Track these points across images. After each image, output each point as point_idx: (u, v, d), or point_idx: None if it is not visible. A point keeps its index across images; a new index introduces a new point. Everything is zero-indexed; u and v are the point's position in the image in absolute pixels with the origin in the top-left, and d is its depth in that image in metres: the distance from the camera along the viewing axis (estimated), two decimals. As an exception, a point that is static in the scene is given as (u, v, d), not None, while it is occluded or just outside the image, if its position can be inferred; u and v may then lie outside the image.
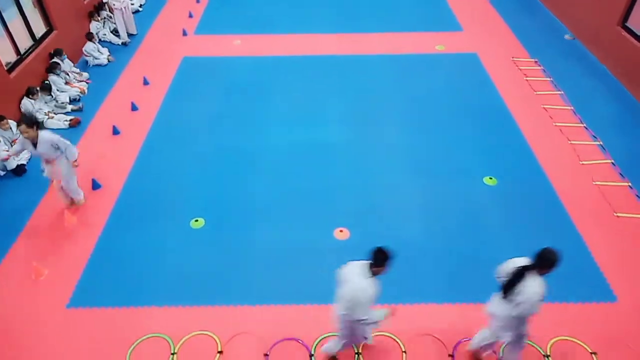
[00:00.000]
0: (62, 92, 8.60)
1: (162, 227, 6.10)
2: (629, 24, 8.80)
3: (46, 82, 8.17)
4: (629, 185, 6.60)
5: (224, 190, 6.67)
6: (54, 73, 8.63)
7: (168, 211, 6.33)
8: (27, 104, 7.75)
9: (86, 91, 8.92)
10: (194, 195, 6.57)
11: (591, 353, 4.69)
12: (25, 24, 8.59)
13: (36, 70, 8.40)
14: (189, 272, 5.54)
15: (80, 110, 8.35)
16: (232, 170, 7.00)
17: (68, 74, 9.02)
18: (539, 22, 11.31)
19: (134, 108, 8.37)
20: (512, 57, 9.76)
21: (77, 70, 9.36)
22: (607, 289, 5.29)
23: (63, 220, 6.17)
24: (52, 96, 8.40)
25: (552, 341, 4.78)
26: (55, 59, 8.86)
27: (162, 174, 6.94)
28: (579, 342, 4.78)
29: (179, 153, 7.36)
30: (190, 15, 11.84)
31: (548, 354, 4.69)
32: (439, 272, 5.50)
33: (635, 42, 8.48)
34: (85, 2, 10.61)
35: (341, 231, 6.02)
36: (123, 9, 10.52)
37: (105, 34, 10.63)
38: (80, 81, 9.14)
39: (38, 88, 8.03)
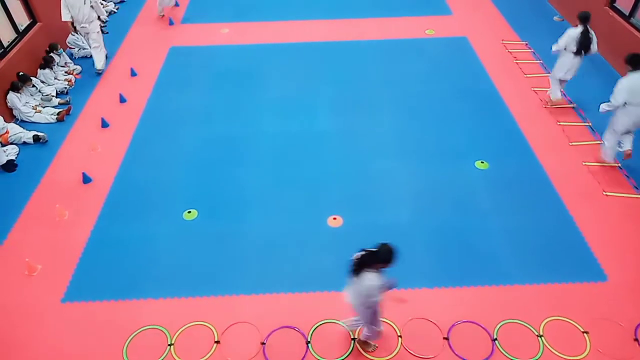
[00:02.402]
0: (49, 85, 8.47)
1: (155, 219, 6.08)
2: (617, 4, 8.80)
3: (21, 73, 8.00)
4: (618, 166, 6.66)
5: (216, 180, 6.65)
6: (49, 67, 8.52)
7: (160, 203, 6.30)
8: (13, 98, 7.62)
9: (74, 83, 8.80)
10: (186, 187, 6.55)
11: (583, 332, 4.78)
12: (8, 17, 8.41)
13: (20, 63, 8.24)
14: (183, 264, 5.54)
15: (67, 103, 8.24)
16: (224, 160, 6.97)
17: (64, 65, 9.05)
18: (528, 4, 11.26)
19: (122, 100, 8.27)
20: (502, 40, 9.74)
21: (72, 63, 9.24)
22: (598, 269, 5.38)
23: (55, 215, 6.13)
24: (37, 88, 8.27)
25: (545, 321, 4.86)
26: (51, 54, 8.75)
27: (153, 166, 6.90)
28: (571, 321, 4.86)
29: (170, 144, 7.30)
30: (177, 4, 11.65)
31: (541, 333, 4.77)
32: (431, 257, 5.55)
33: (623, 22, 8.49)
34: (68, -7, 10.39)
35: (335, 219, 6.03)
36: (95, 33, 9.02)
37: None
38: (69, 73, 9.00)
39: (20, 84, 7.86)
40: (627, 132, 6.29)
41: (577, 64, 7.33)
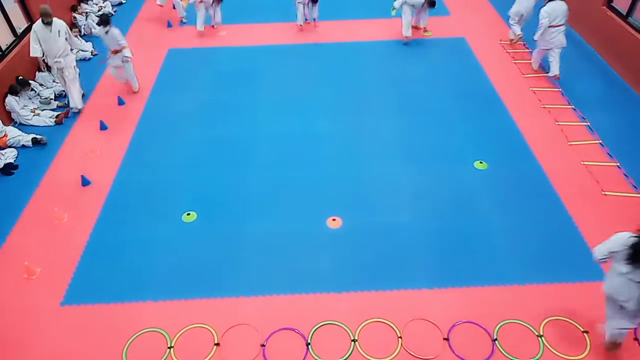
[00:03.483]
0: (48, 88, 8.47)
1: (154, 222, 6.07)
2: (614, 3, 8.82)
3: (20, 77, 8.02)
4: (617, 165, 6.67)
5: (215, 182, 6.64)
6: (48, 70, 8.51)
7: (159, 205, 6.29)
8: (11, 101, 7.61)
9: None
10: (185, 189, 6.54)
11: (583, 332, 4.77)
12: (6, 20, 8.41)
13: (19, 66, 8.24)
14: (183, 266, 5.53)
15: (66, 106, 8.23)
16: (223, 162, 6.97)
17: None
18: (525, 4, 11.27)
19: (120, 102, 8.27)
20: (500, 40, 9.75)
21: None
22: (598, 268, 5.35)
23: (54, 218, 6.12)
24: (35, 91, 8.27)
25: (545, 321, 4.85)
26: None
27: (152, 168, 6.89)
28: (571, 321, 4.86)
29: (168, 146, 7.30)
30: (174, 7, 11.64)
31: (541, 333, 4.77)
32: (431, 258, 5.55)
33: (621, 21, 8.51)
34: (66, -4, 10.41)
35: (334, 220, 6.03)
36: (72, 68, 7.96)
37: (88, 24, 10.43)
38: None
39: (19, 87, 7.86)
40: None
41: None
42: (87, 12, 10.64)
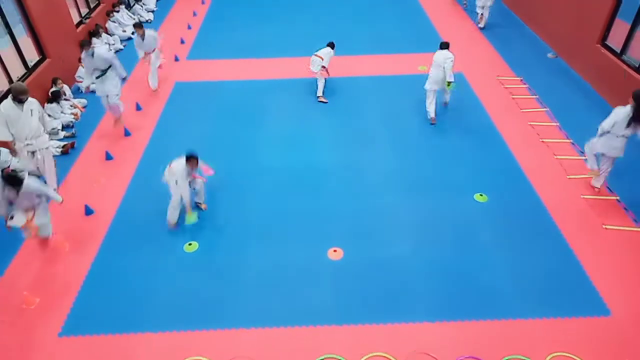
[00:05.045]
0: (56, 119, 8.64)
1: (155, 252, 6.07)
2: (608, 42, 9.09)
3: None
4: (617, 199, 6.71)
5: (217, 213, 6.68)
6: (56, 102, 8.70)
7: (161, 235, 6.31)
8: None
9: (79, 117, 8.98)
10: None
11: (587, 367, 4.70)
12: (18, 53, 8.68)
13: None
14: (183, 297, 5.50)
15: (73, 136, 8.38)
16: (225, 194, 7.02)
17: (67, 99, 9.17)
18: (522, 41, 11.62)
19: (127, 133, 8.41)
20: (497, 76, 9.98)
21: (72, 98, 9.44)
22: (601, 303, 5.33)
23: (55, 247, 6.13)
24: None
25: (549, 357, 4.78)
26: (55, 88, 8.95)
27: (156, 199, 6.92)
28: (575, 357, 4.78)
29: (172, 177, 7.37)
30: (182, 42, 12.02)
31: (544, 369, 4.69)
32: (432, 291, 5.52)
33: (615, 59, 8.74)
34: (78, 30, 10.76)
35: (335, 251, 6.03)
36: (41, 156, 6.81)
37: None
38: (75, 107, 9.19)
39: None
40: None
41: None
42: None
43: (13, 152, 6.73)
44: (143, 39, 9.24)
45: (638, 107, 5.98)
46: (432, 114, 8.49)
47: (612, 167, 6.62)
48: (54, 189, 6.82)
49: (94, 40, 11.09)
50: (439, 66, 8.12)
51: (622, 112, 6.12)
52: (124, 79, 8.37)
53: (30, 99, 6.50)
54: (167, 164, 6.25)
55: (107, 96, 8.18)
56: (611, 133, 6.25)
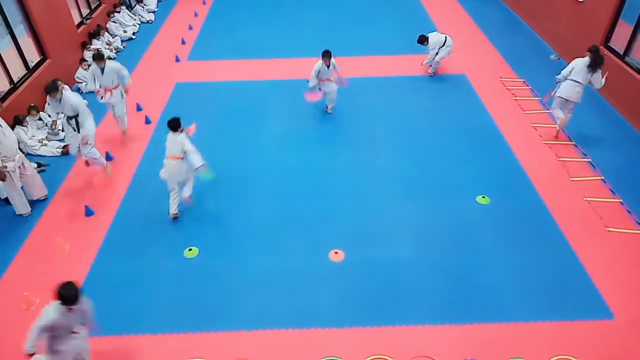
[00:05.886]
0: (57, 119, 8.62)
1: (155, 256, 6.04)
2: (611, 43, 9.05)
3: (32, 105, 8.20)
4: (620, 202, 6.66)
5: (217, 216, 6.65)
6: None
7: (161, 239, 6.27)
8: (19, 132, 7.73)
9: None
10: (188, 222, 6.54)
11: (590, 371, 4.66)
12: (19, 53, 8.66)
13: (30, 98, 8.42)
14: (183, 300, 5.47)
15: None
16: (225, 195, 6.99)
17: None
18: (525, 43, 11.57)
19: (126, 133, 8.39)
20: (500, 78, 9.95)
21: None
22: (604, 306, 5.29)
23: (56, 248, 6.11)
24: (43, 121, 8.41)
25: (551, 360, 4.75)
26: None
27: (156, 201, 6.91)
28: (577, 360, 4.75)
29: (173, 178, 7.35)
30: (183, 42, 12.01)
31: (547, 373, 4.66)
32: (434, 293, 5.48)
33: (618, 61, 8.70)
34: (79, 31, 10.75)
35: (336, 253, 6.00)
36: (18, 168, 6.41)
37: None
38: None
39: (22, 116, 7.98)
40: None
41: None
42: (97, 49, 10.92)
43: (1, 175, 6.15)
44: (102, 72, 7.71)
45: (594, 57, 7.34)
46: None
47: (571, 114, 7.79)
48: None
49: (95, 42, 11.07)
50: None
51: (580, 62, 7.49)
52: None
53: None
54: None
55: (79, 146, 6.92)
56: (571, 80, 7.53)
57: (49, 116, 8.62)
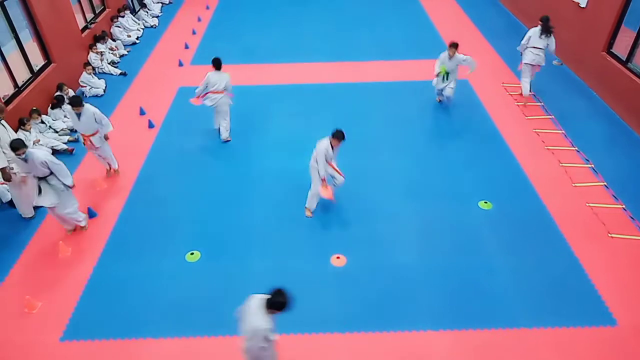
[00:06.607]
0: (64, 122, 8.66)
1: (158, 260, 6.04)
2: (614, 50, 9.05)
3: (34, 108, 8.23)
4: (623, 208, 6.64)
5: (220, 220, 6.65)
6: (58, 107, 8.72)
7: (164, 243, 6.28)
8: (20, 136, 7.69)
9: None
10: (191, 225, 6.55)
11: (593, 378, 4.63)
12: (24, 57, 8.72)
13: (33, 102, 8.47)
14: (185, 304, 5.47)
15: (76, 140, 8.39)
16: (228, 199, 7.00)
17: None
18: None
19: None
20: (503, 83, 9.95)
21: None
22: (606, 312, 5.27)
23: (57, 251, 6.12)
24: (46, 124, 8.44)
25: (554, 367, 4.72)
26: (60, 93, 8.96)
27: (158, 204, 6.93)
28: (580, 367, 4.72)
29: (175, 183, 7.37)
30: (187, 47, 12.07)
31: (550, 380, 4.63)
32: (436, 299, 5.46)
33: (620, 67, 8.70)
34: (83, 35, 10.81)
35: (338, 258, 5.99)
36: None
37: (103, 66, 10.78)
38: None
39: (27, 119, 8.00)
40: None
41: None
42: (102, 52, 11.00)
43: (6, 175, 6.16)
44: (79, 118, 6.74)
45: (544, 25, 8.68)
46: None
47: (533, 78, 9.11)
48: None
49: (99, 46, 11.12)
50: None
51: (534, 30, 8.82)
52: (69, 187, 6.10)
53: None
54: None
55: (54, 207, 6.05)
56: (532, 48, 8.79)
57: (54, 120, 8.62)
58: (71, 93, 9.37)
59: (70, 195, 6.16)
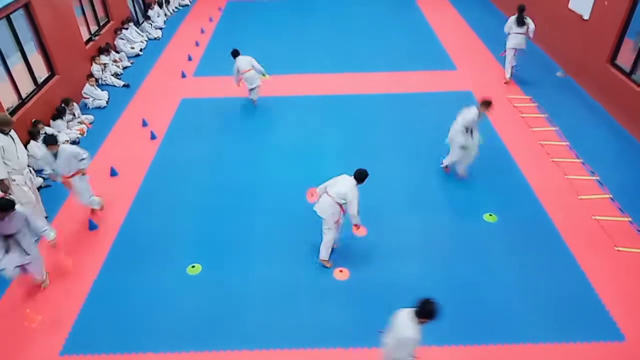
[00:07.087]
0: (67, 134, 8.67)
1: (158, 273, 5.99)
2: (617, 61, 9.03)
3: (34, 120, 8.24)
4: (630, 221, 6.56)
5: (221, 232, 6.61)
6: (60, 118, 8.74)
7: (165, 256, 6.23)
8: (34, 148, 7.68)
9: (85, 133, 9.01)
10: (192, 237, 6.50)
11: (602, 396, 4.53)
12: (28, 69, 8.76)
13: (37, 113, 8.48)
14: (185, 318, 5.41)
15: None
16: (230, 212, 6.96)
17: (74, 115, 9.19)
18: (531, 60, 11.54)
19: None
20: (507, 95, 9.93)
21: (80, 116, 9.45)
22: (614, 327, 5.17)
23: (59, 264, 6.07)
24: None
25: (561, 384, 4.62)
26: (63, 106, 8.99)
27: (159, 216, 6.90)
28: (589, 384, 4.62)
29: (177, 194, 7.34)
30: (190, 59, 12.12)
31: (558, 398, 4.52)
32: (440, 313, 5.36)
33: (624, 78, 8.67)
34: (87, 48, 10.88)
35: (341, 271, 5.93)
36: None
37: (106, 78, 10.83)
38: (81, 123, 9.24)
39: (37, 130, 8.03)
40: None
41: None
42: (105, 64, 11.06)
43: (4, 187, 6.11)
44: (56, 158, 6.26)
45: (519, 13, 9.72)
46: None
47: (515, 63, 10.20)
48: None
49: (102, 57, 11.18)
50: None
51: (512, 18, 9.87)
52: (36, 240, 5.80)
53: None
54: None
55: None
56: (514, 34, 9.85)
57: (58, 132, 8.62)
58: (77, 108, 9.40)
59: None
